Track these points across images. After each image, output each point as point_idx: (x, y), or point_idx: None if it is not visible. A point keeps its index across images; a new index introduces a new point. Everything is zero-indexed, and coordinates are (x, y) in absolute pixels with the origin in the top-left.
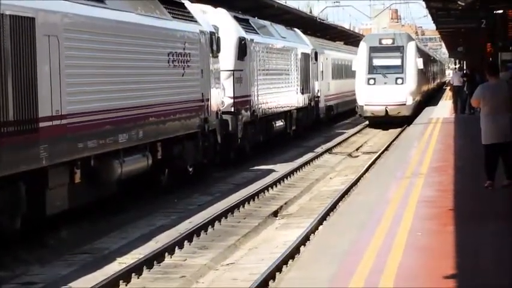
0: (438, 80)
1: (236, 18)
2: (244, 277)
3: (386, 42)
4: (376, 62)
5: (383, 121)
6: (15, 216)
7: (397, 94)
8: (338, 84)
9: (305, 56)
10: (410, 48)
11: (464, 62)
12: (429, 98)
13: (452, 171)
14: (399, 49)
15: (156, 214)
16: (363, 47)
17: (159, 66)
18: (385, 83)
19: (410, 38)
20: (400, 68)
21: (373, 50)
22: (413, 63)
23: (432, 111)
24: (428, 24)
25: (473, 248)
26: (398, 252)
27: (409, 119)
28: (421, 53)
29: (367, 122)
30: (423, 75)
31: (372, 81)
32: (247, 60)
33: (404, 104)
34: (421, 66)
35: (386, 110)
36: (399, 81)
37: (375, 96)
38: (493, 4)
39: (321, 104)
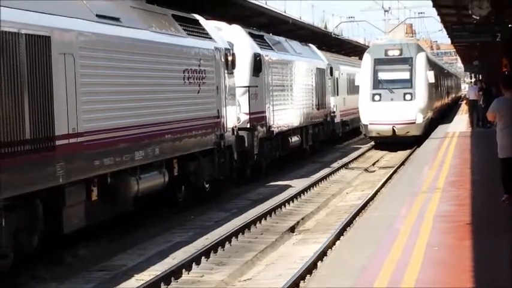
0: (453, 95)
1: (251, 34)
2: None
3: (393, 53)
4: (382, 75)
5: (390, 142)
6: (32, 234)
7: (405, 111)
8: (353, 100)
9: (320, 72)
10: (420, 60)
11: (480, 76)
12: (442, 115)
13: (469, 186)
14: (407, 61)
15: (173, 231)
16: (367, 59)
17: (174, 83)
18: (392, 99)
19: (419, 49)
20: (409, 82)
21: (378, 62)
22: (423, 76)
23: (446, 129)
24: (444, 39)
25: (491, 262)
26: (416, 266)
27: (420, 139)
28: (432, 65)
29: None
30: (435, 89)
31: (377, 97)
32: (263, 76)
33: (414, 123)
34: (432, 79)
35: (393, 130)
36: (408, 97)
37: (381, 114)
38: (508, 18)
39: (337, 119)
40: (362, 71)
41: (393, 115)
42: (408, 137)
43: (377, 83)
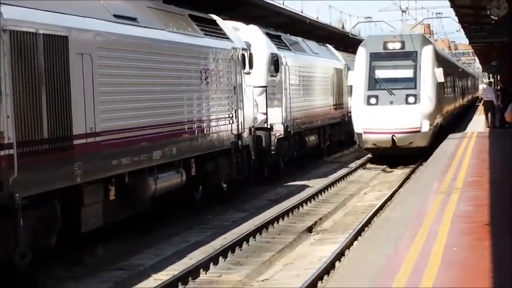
0: (469, 97)
1: (268, 34)
2: None
3: (394, 46)
4: (380, 73)
5: (390, 154)
6: (50, 233)
7: (408, 117)
8: None
9: (338, 72)
10: (427, 55)
11: (498, 76)
12: (455, 121)
13: (488, 186)
14: (411, 56)
15: (190, 230)
16: (362, 53)
17: (191, 83)
18: (392, 103)
19: (426, 41)
20: (413, 82)
21: (375, 57)
22: (430, 74)
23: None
24: (462, 39)
25: (510, 263)
26: (434, 267)
27: (426, 151)
28: (442, 61)
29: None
30: (446, 90)
31: (373, 100)
32: (280, 76)
33: (419, 131)
34: (441, 78)
35: (393, 140)
36: (411, 99)
37: (378, 120)
38: None
39: None
40: (355, 68)
41: (393, 122)
42: (411, 148)
43: (373, 83)
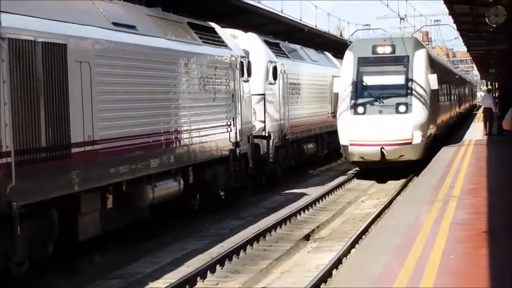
0: (466, 105)
1: (266, 42)
2: None
3: (383, 50)
4: (368, 80)
5: (378, 168)
6: (47, 241)
7: (398, 128)
8: None
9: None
10: (419, 59)
11: (496, 84)
12: (451, 131)
13: (485, 194)
14: (402, 61)
15: (188, 238)
16: (349, 58)
17: (189, 91)
18: (381, 112)
19: (418, 45)
20: (404, 89)
21: (363, 62)
22: (423, 81)
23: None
24: (460, 46)
25: (507, 271)
26: (431, 275)
27: (418, 165)
28: (436, 66)
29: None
30: (441, 98)
31: (360, 110)
32: (278, 83)
33: (410, 143)
34: (435, 85)
35: (382, 152)
36: (402, 108)
37: (366, 131)
38: None
39: None
40: (342, 74)
41: (382, 133)
42: (402, 162)
43: (361, 91)
